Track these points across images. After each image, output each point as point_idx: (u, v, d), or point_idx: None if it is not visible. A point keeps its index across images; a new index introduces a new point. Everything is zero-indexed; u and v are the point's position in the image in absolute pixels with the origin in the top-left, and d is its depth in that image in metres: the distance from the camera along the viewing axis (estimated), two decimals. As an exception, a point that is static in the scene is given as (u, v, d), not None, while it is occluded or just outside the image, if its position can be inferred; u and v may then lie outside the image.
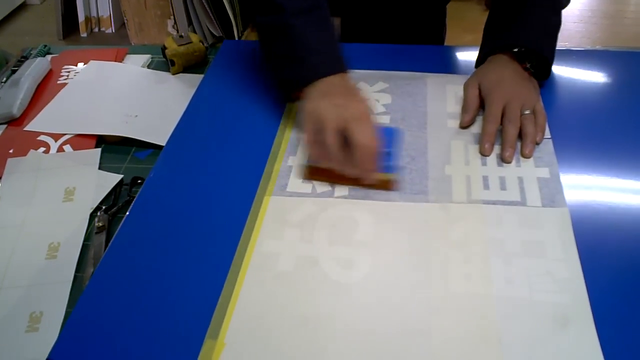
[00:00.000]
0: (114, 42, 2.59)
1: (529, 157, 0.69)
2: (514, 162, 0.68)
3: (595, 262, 0.57)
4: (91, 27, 2.81)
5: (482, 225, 0.61)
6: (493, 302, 0.54)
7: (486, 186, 0.65)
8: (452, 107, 0.77)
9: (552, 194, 0.64)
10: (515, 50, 0.77)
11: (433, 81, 0.82)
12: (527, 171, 0.67)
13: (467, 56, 0.89)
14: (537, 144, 0.71)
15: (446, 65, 0.87)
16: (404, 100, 0.79)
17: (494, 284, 0.55)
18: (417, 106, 0.78)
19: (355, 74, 0.83)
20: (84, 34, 2.77)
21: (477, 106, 0.75)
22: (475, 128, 0.74)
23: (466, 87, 0.77)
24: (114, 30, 2.77)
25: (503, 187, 0.65)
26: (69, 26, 2.79)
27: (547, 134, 0.72)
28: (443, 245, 0.59)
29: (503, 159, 0.69)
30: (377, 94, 0.80)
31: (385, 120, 0.76)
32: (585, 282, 0.55)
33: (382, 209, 0.64)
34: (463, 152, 0.70)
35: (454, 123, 0.75)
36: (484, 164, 0.68)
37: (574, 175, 0.67)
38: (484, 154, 0.70)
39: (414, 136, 0.73)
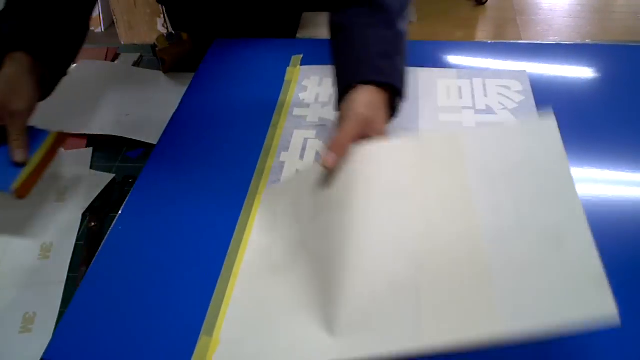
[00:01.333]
0: (103, 41, 2.57)
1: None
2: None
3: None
4: (81, 26, 2.79)
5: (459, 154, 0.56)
6: (479, 232, 0.49)
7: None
8: (443, 100, 0.78)
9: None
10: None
11: (424, 75, 0.82)
12: None
13: (458, 51, 0.89)
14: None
15: (436, 60, 0.87)
16: (395, 95, 0.79)
17: (477, 212, 0.51)
18: (409, 100, 0.78)
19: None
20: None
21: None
22: (468, 121, 0.74)
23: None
24: (103, 29, 2.75)
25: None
26: (58, 26, 2.77)
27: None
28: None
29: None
30: (369, 89, 0.80)
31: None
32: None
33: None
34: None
35: (446, 116, 0.75)
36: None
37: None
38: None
39: (405, 129, 0.73)
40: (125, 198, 0.69)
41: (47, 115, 0.87)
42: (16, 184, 0.67)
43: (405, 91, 0.68)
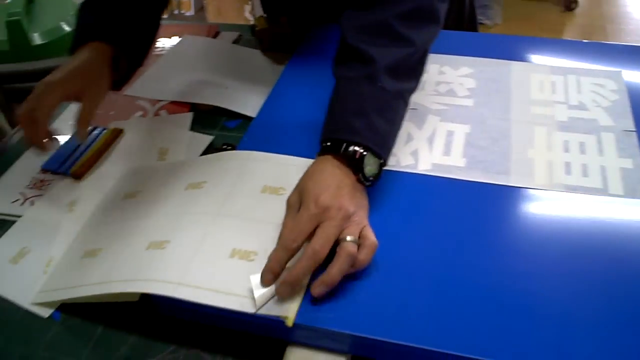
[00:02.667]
0: (193, 25, 2.67)
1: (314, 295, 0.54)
2: (595, 150, 0.69)
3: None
4: (172, 9, 2.90)
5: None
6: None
7: (568, 172, 0.67)
8: (536, 94, 0.79)
9: (634, 184, 0.65)
10: (329, 144, 0.62)
11: (518, 68, 0.84)
12: (610, 161, 0.68)
13: (552, 48, 0.90)
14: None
15: (528, 56, 0.88)
16: (487, 86, 0.81)
17: None
18: (501, 91, 0.79)
19: (441, 58, 0.86)
20: (165, 16, 2.86)
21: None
22: (560, 116, 0.75)
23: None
24: (193, 13, 2.86)
25: (585, 174, 0.67)
26: (151, 7, 2.89)
27: (631, 127, 0.73)
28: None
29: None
30: (462, 78, 0.82)
31: (468, 103, 0.78)
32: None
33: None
34: (546, 137, 0.72)
35: (538, 109, 0.76)
36: (567, 150, 0.70)
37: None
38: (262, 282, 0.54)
39: (497, 119, 0.75)
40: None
41: (152, 84, 0.94)
42: (75, 167, 0.78)
43: (385, 156, 0.63)
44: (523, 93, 0.79)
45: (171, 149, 0.81)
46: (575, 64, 0.85)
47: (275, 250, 0.56)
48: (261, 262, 0.55)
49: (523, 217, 0.63)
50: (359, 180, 0.61)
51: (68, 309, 0.61)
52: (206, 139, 0.82)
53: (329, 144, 0.62)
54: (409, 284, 0.56)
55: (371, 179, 0.62)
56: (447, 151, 0.71)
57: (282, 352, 0.54)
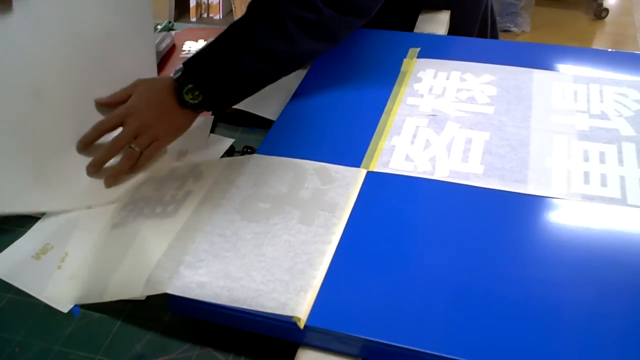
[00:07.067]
0: (221, 28, 2.70)
1: (108, 187, 0.75)
2: (616, 160, 0.69)
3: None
4: (200, 12, 2.95)
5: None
6: None
7: (586, 181, 0.66)
8: (557, 103, 0.78)
9: None
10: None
11: (539, 77, 0.83)
12: (630, 171, 0.67)
13: (576, 57, 0.89)
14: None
15: (552, 64, 0.87)
16: (509, 94, 0.80)
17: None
18: (522, 99, 0.79)
19: (463, 65, 0.86)
20: (193, 19, 2.91)
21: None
22: (581, 125, 0.74)
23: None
24: (221, 17, 2.90)
25: (604, 183, 0.66)
26: (180, 10, 2.93)
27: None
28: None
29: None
30: (483, 86, 0.82)
31: (488, 110, 0.78)
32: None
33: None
34: (566, 146, 0.71)
35: (559, 118, 0.76)
36: (586, 159, 0.69)
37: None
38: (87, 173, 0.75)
39: (516, 127, 0.74)
40: (245, 164, 0.74)
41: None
42: None
43: (215, 109, 0.80)
44: (544, 101, 0.79)
45: (190, 150, 0.82)
46: (599, 73, 0.84)
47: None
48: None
49: (540, 226, 0.63)
50: (180, 103, 0.75)
51: (87, 304, 0.63)
52: (227, 142, 0.83)
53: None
54: (424, 290, 0.56)
55: (189, 104, 0.75)
56: (465, 158, 0.71)
57: (293, 354, 0.54)
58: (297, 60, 0.79)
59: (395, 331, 0.52)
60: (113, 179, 0.75)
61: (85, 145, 0.75)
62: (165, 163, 0.79)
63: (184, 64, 0.76)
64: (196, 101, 0.75)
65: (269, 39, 0.75)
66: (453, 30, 1.03)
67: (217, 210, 0.65)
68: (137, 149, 0.74)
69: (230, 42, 0.76)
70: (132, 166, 0.75)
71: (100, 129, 0.75)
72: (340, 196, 0.66)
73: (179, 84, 0.74)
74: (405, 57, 0.90)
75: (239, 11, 2.63)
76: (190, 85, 0.74)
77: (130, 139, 0.74)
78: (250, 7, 0.78)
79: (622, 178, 0.66)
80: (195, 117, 0.79)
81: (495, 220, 0.63)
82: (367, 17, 0.81)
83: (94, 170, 0.75)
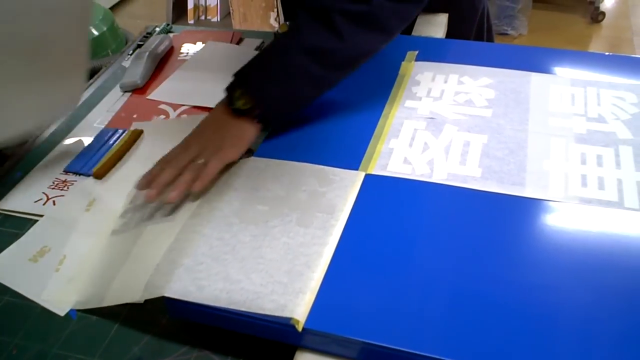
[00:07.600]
0: (219, 31, 2.70)
1: (171, 201, 0.68)
2: (613, 163, 0.69)
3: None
4: (198, 14, 2.94)
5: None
6: None
7: (584, 184, 0.67)
8: (555, 106, 0.78)
9: None
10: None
11: (537, 80, 0.84)
12: (627, 174, 0.68)
13: (574, 60, 0.89)
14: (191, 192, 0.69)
15: (550, 67, 0.87)
16: (506, 97, 0.81)
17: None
18: (520, 102, 0.79)
19: (461, 68, 0.87)
20: (191, 21, 2.91)
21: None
22: (578, 128, 0.75)
23: None
24: (219, 19, 2.89)
25: (601, 186, 0.66)
26: (178, 12, 2.93)
27: (650, 140, 0.72)
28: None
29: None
30: (481, 89, 0.82)
31: (486, 113, 0.78)
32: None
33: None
34: (564, 149, 0.71)
35: (556, 121, 0.76)
36: (583, 162, 0.69)
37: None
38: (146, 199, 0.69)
39: (514, 130, 0.75)
40: (243, 167, 0.74)
41: (175, 89, 0.96)
42: (96, 168, 0.79)
43: (270, 115, 0.74)
44: (542, 104, 0.79)
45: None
46: (596, 76, 0.84)
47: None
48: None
49: (537, 229, 0.63)
50: (234, 112, 0.73)
51: (85, 307, 0.62)
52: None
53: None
54: (422, 292, 0.56)
55: (242, 110, 0.72)
56: (463, 161, 0.71)
57: (291, 356, 0.54)
58: (350, 59, 0.75)
59: (393, 334, 0.52)
60: (177, 192, 0.68)
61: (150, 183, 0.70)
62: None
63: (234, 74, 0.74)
64: (248, 106, 0.72)
65: (317, 36, 0.72)
66: (450, 33, 1.04)
67: (215, 214, 0.66)
68: (200, 161, 0.70)
69: (278, 44, 0.75)
70: (195, 177, 0.69)
71: (165, 160, 0.72)
72: (339, 198, 0.66)
73: (228, 89, 0.73)
74: (403, 60, 0.90)
75: (237, 14, 2.63)
76: (239, 91, 0.72)
77: (192, 157, 0.71)
78: (300, 11, 0.75)
79: (620, 181, 0.67)
80: (257, 125, 0.74)
81: (493, 222, 0.63)
82: (421, 4, 0.77)
83: (156, 195, 0.68)
